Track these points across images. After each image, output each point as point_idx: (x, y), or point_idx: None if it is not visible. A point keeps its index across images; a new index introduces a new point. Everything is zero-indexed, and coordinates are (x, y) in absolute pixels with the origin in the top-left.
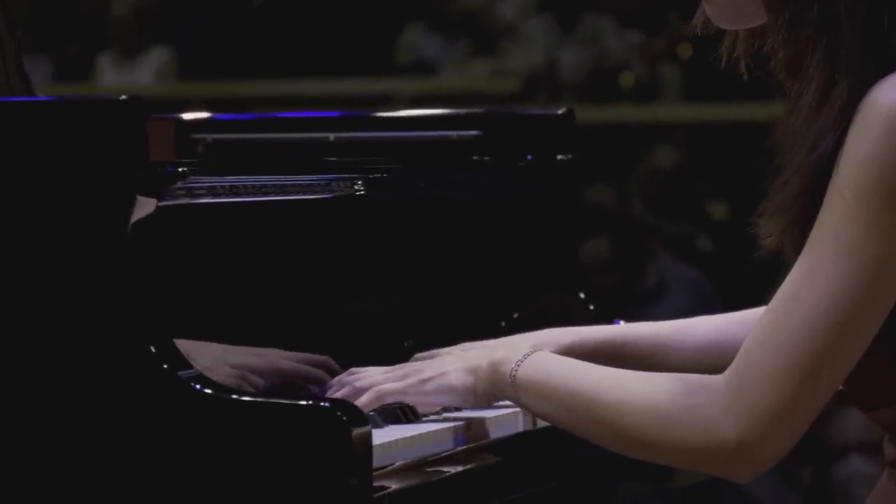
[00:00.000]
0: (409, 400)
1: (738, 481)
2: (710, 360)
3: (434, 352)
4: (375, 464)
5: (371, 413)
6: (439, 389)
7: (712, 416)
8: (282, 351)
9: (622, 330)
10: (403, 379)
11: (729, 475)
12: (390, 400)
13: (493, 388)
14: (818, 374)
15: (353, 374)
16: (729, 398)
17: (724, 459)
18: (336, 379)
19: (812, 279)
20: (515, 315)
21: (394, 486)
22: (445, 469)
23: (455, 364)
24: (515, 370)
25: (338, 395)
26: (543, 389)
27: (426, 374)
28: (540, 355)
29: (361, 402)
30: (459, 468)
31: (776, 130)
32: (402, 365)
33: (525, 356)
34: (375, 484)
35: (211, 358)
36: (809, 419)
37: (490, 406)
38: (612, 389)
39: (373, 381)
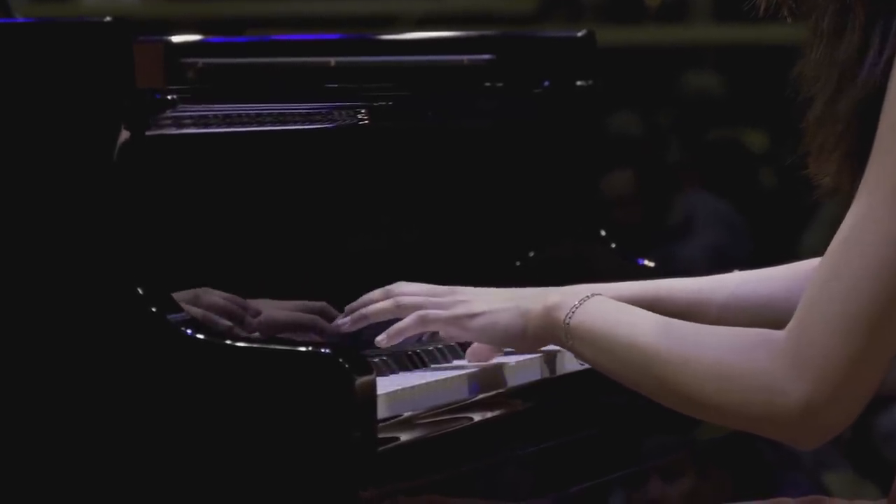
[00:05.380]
0: (450, 331)
1: (804, 448)
2: (752, 317)
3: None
4: (381, 415)
5: (384, 358)
6: (486, 327)
7: (774, 376)
8: (274, 301)
9: (657, 285)
10: (450, 308)
11: (794, 441)
12: (432, 328)
13: (545, 333)
14: (886, 322)
15: (392, 290)
16: (792, 355)
17: (789, 424)
18: (378, 291)
19: (871, 222)
20: (531, 254)
21: (401, 438)
22: (458, 420)
23: (506, 303)
24: (570, 316)
25: (377, 307)
26: (598, 338)
27: (475, 309)
28: (598, 300)
29: (403, 324)
30: (473, 419)
31: (799, 64)
32: (450, 289)
33: (581, 301)
34: (381, 436)
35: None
36: (879, 375)
37: (504, 353)
38: (671, 342)
39: (416, 302)
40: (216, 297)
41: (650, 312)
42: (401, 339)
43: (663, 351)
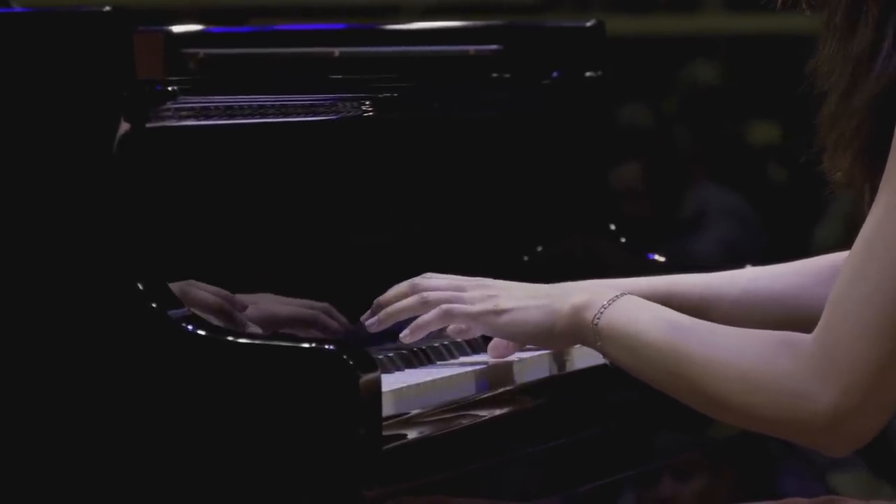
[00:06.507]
0: (476, 326)
1: (834, 455)
2: (763, 313)
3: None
4: (386, 412)
5: (389, 355)
6: (513, 324)
7: (798, 380)
8: (275, 296)
9: (669, 280)
10: (476, 303)
11: (823, 448)
12: (458, 323)
13: (573, 332)
14: None
15: (418, 285)
16: (819, 358)
17: (816, 430)
18: (404, 285)
19: (889, 226)
20: (539, 249)
21: (407, 436)
22: (464, 418)
23: (533, 301)
24: (599, 317)
25: (402, 304)
26: (626, 339)
27: (502, 305)
28: (627, 300)
29: (427, 318)
30: (480, 417)
31: (813, 59)
32: (477, 282)
33: (610, 302)
34: (386, 434)
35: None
36: None
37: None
38: (696, 343)
39: (442, 297)
40: (203, 293)
41: (677, 312)
42: (424, 334)
43: (688, 352)
